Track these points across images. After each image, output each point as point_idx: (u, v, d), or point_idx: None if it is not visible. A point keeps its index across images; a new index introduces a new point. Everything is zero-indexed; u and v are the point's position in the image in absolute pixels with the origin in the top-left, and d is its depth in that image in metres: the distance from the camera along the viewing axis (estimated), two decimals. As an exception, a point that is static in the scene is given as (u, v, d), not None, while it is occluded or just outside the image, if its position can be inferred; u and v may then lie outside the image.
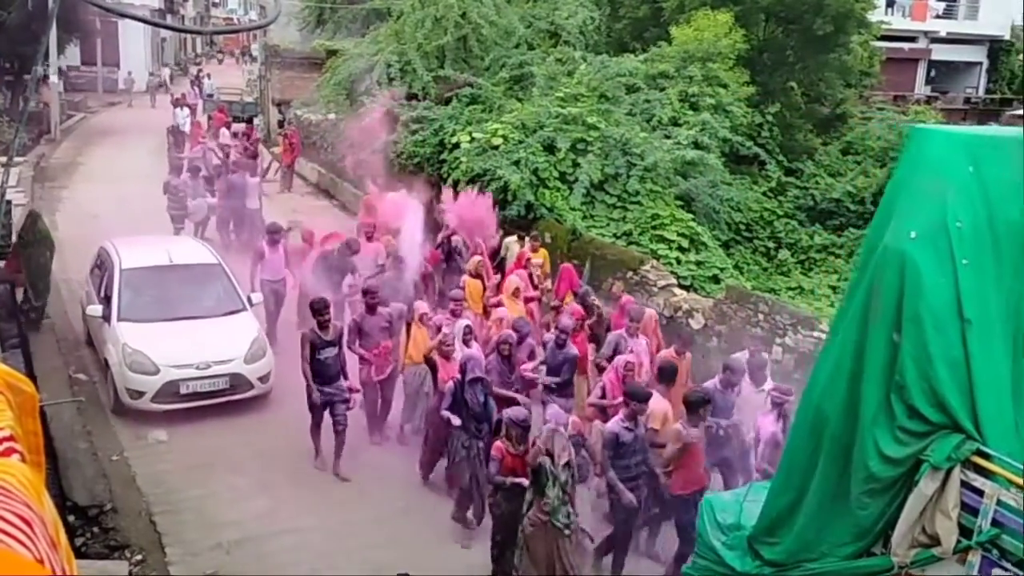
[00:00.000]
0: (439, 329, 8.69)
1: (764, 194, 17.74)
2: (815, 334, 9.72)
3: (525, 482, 6.43)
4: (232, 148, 19.17)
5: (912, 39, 36.64)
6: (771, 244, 17.24)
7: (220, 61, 61.09)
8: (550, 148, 14.40)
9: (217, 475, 8.41)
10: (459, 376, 7.64)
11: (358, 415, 8.96)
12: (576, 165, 14.27)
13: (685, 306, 11.30)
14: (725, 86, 17.31)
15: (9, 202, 11.49)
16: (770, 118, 18.36)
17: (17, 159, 15.61)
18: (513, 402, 7.81)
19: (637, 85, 16.87)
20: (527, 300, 10.41)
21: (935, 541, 4.15)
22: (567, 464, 6.19)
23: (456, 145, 15.11)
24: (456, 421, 7.53)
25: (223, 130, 22.23)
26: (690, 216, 14.34)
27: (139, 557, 7.08)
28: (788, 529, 4.88)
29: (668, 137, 15.65)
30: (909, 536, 4.24)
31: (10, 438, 1.93)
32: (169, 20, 45.86)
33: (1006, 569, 3.99)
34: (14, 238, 12.08)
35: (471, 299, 10.15)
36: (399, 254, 10.77)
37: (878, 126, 19.68)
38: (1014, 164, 4.37)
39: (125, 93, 39.34)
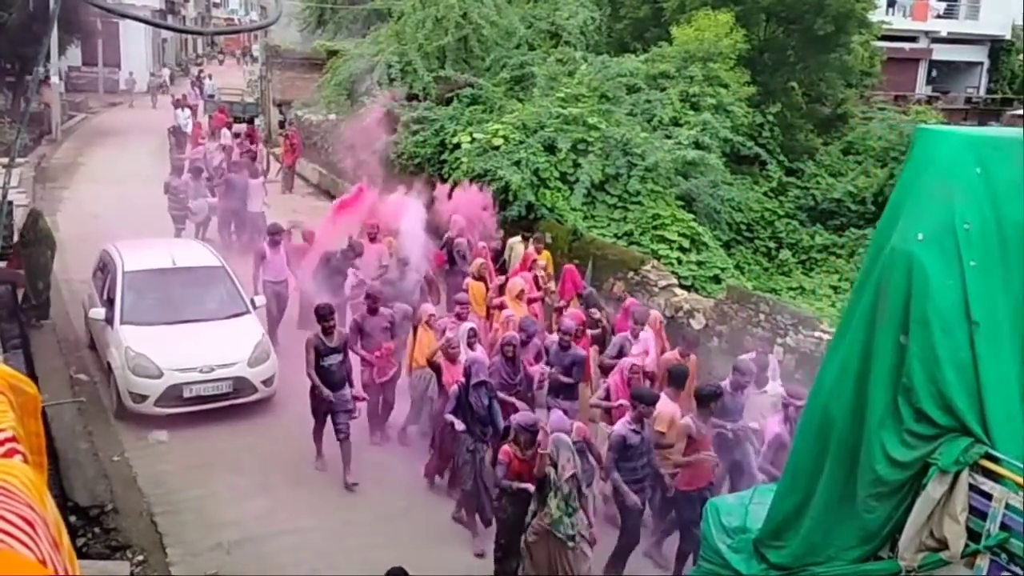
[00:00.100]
0: (445, 332, 8.67)
1: (765, 194, 17.73)
2: (816, 334, 9.72)
3: (531, 488, 6.42)
4: (234, 149, 19.18)
5: (913, 39, 36.65)
6: (772, 244, 17.23)
7: (221, 62, 61.14)
8: (551, 148, 14.40)
9: (218, 476, 8.41)
10: (463, 380, 7.60)
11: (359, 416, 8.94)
12: (577, 165, 14.27)
13: (686, 306, 11.30)
14: (726, 86, 17.31)
15: (11, 203, 11.48)
16: (771, 118, 18.36)
17: (18, 160, 15.63)
18: (513, 408, 7.79)
19: (638, 85, 16.87)
20: (530, 301, 10.39)
21: (943, 545, 4.11)
22: (572, 476, 6.16)
23: (457, 145, 15.11)
24: (460, 426, 7.47)
25: (224, 130, 22.24)
26: (691, 216, 14.34)
27: (140, 557, 7.08)
28: (794, 532, 4.84)
29: (669, 137, 15.64)
30: (917, 540, 4.20)
31: (12, 439, 1.94)
32: (170, 21, 45.90)
33: (1015, 573, 3.96)
34: (15, 238, 12.08)
35: (474, 302, 10.12)
36: (403, 255, 10.73)
37: (879, 126, 19.67)
38: (1022, 165, 4.34)
39: (126, 94, 39.39)
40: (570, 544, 6.19)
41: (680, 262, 13.20)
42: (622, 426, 6.90)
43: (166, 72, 44.58)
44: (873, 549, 4.48)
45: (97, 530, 7.33)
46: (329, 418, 8.41)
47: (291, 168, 21.68)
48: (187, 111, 26.16)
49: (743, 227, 16.90)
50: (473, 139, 14.83)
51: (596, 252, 12.62)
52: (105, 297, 10.27)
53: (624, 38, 20.98)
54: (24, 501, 1.70)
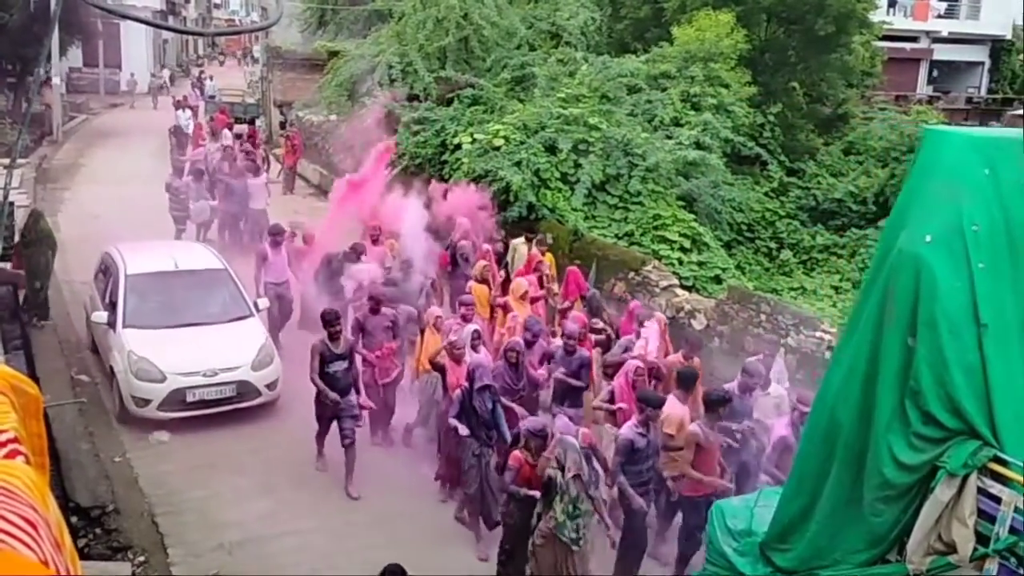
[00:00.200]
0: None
1: (766, 194, 17.72)
2: (817, 334, 9.72)
3: (537, 494, 6.41)
4: (234, 149, 19.16)
5: (914, 39, 36.65)
6: (773, 244, 17.21)
7: (222, 63, 61.14)
8: (552, 149, 14.40)
9: (219, 476, 8.42)
10: (467, 384, 7.57)
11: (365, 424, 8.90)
12: (578, 166, 14.27)
13: (687, 307, 11.30)
14: (727, 86, 17.31)
15: (12, 203, 11.48)
16: (772, 118, 18.35)
17: (20, 160, 15.64)
18: (515, 414, 7.78)
19: (638, 85, 16.87)
20: (534, 300, 10.37)
21: (951, 548, 4.09)
22: (577, 477, 6.14)
23: (458, 146, 15.12)
24: (463, 431, 7.45)
25: (225, 131, 22.25)
26: (692, 216, 14.34)
27: (141, 558, 7.08)
28: (800, 535, 4.81)
29: (670, 137, 15.65)
30: (925, 543, 4.18)
31: (14, 440, 1.94)
32: (171, 22, 45.93)
33: (1025, 578, 3.94)
34: (16, 239, 12.09)
35: (478, 304, 10.08)
36: (405, 257, 10.69)
37: (880, 126, 19.65)
38: None
39: (127, 95, 39.41)
40: (574, 548, 6.18)
41: (681, 262, 13.21)
42: (629, 429, 6.88)
43: (166, 73, 44.60)
44: (880, 553, 4.45)
45: (99, 531, 7.33)
46: (334, 423, 8.36)
47: (292, 169, 21.68)
48: (188, 112, 26.17)
49: (744, 227, 16.89)
50: (474, 140, 14.83)
51: (597, 252, 12.62)
52: (107, 300, 10.21)
53: (625, 38, 20.98)
54: (26, 502, 1.70)
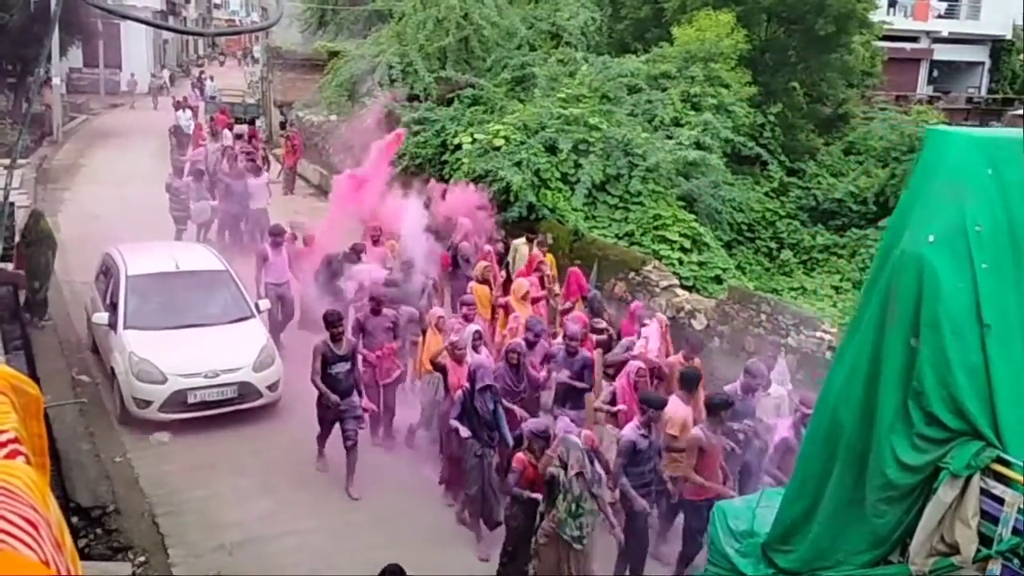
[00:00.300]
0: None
1: (766, 194, 17.73)
2: (817, 334, 9.72)
3: (540, 497, 6.40)
4: (235, 150, 19.16)
5: (914, 39, 36.65)
6: (773, 244, 17.22)
7: (222, 63, 61.16)
8: (552, 149, 14.40)
9: (220, 477, 8.42)
10: (468, 385, 7.56)
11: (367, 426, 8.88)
12: (578, 166, 14.27)
13: (687, 307, 11.30)
14: (727, 86, 17.31)
15: (12, 204, 11.48)
16: (772, 118, 18.35)
17: (20, 161, 15.64)
18: (513, 415, 7.76)
19: (639, 86, 16.87)
20: (535, 300, 10.36)
21: (954, 550, 4.08)
22: (580, 475, 6.14)
23: (458, 146, 15.12)
24: (465, 433, 7.44)
25: (225, 132, 22.26)
26: (692, 217, 14.34)
27: (142, 558, 7.08)
28: (803, 536, 4.80)
29: (670, 137, 15.65)
30: (927, 544, 4.17)
31: (15, 440, 1.94)
32: (171, 22, 45.96)
33: (1028, 578, 3.92)
34: (17, 239, 12.09)
35: (479, 304, 10.08)
36: (408, 258, 10.69)
37: (880, 126, 19.65)
38: None
39: (127, 95, 39.43)
40: (576, 547, 6.18)
41: (681, 262, 13.21)
42: (631, 431, 6.87)
43: (166, 73, 44.61)
44: (883, 553, 4.44)
45: (99, 531, 7.33)
46: (337, 424, 8.33)
47: (292, 169, 21.68)
48: (188, 112, 26.16)
49: (744, 227, 16.90)
50: (474, 140, 14.84)
51: (597, 253, 12.62)
52: (108, 301, 10.19)
53: (625, 38, 20.99)
54: (27, 502, 1.70)
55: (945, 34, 37.24)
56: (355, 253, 10.98)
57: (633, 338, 8.86)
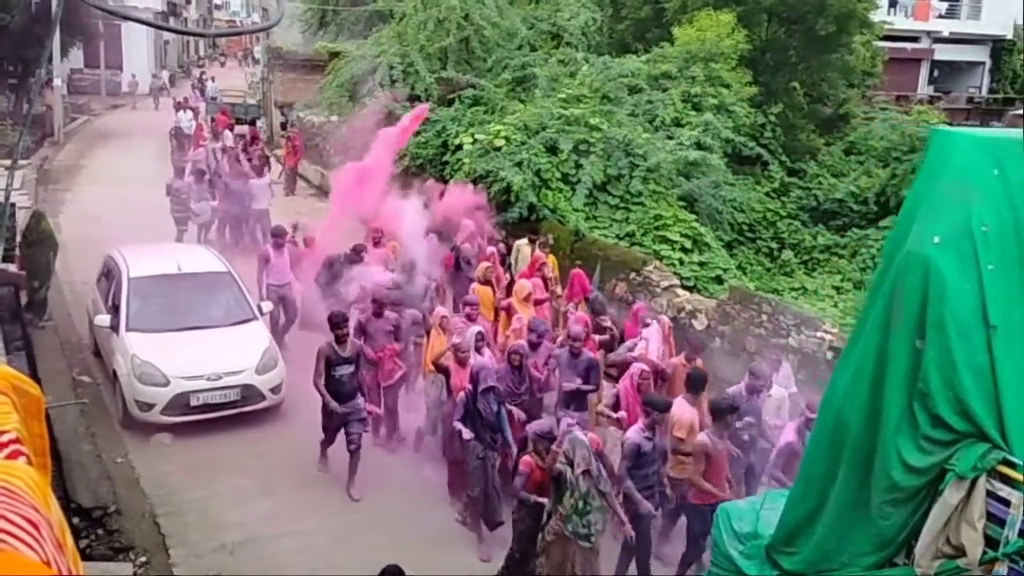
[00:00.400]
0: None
1: (767, 194, 17.72)
2: (818, 335, 9.71)
3: (547, 502, 6.40)
4: (235, 150, 19.18)
5: (915, 39, 36.62)
6: (774, 245, 17.21)
7: (223, 64, 61.21)
8: (552, 149, 14.41)
9: (221, 477, 8.42)
10: (471, 386, 7.54)
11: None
12: (579, 166, 14.27)
13: (688, 307, 11.29)
14: (727, 86, 17.31)
15: (13, 204, 11.49)
16: (773, 118, 18.34)
17: (21, 162, 15.65)
18: (512, 417, 7.74)
19: (639, 86, 16.87)
20: (538, 302, 10.35)
21: (960, 552, 4.05)
22: (586, 472, 6.13)
23: (459, 146, 15.13)
24: (468, 435, 7.42)
25: (226, 132, 22.27)
26: (693, 217, 14.33)
27: (143, 559, 7.09)
28: (807, 538, 4.78)
29: (671, 138, 15.65)
30: (933, 547, 4.15)
31: (16, 440, 1.94)
32: (172, 23, 46.00)
33: (1034, 580, 3.90)
34: (18, 240, 12.10)
35: (482, 306, 10.07)
36: (409, 260, 10.67)
37: (881, 126, 19.63)
38: None
39: (128, 96, 39.46)
40: (582, 544, 6.18)
41: (682, 263, 13.20)
42: (636, 434, 6.86)
43: (166, 74, 44.64)
44: (888, 556, 4.42)
45: (100, 531, 7.33)
46: (342, 429, 8.29)
47: (293, 170, 21.68)
48: (189, 113, 26.16)
49: (745, 227, 16.89)
50: (475, 140, 14.85)
51: (598, 253, 12.62)
52: (110, 303, 10.14)
53: (625, 39, 20.98)
54: (28, 503, 1.71)
55: (946, 34, 37.21)
56: (356, 254, 10.96)
57: (636, 340, 8.85)
